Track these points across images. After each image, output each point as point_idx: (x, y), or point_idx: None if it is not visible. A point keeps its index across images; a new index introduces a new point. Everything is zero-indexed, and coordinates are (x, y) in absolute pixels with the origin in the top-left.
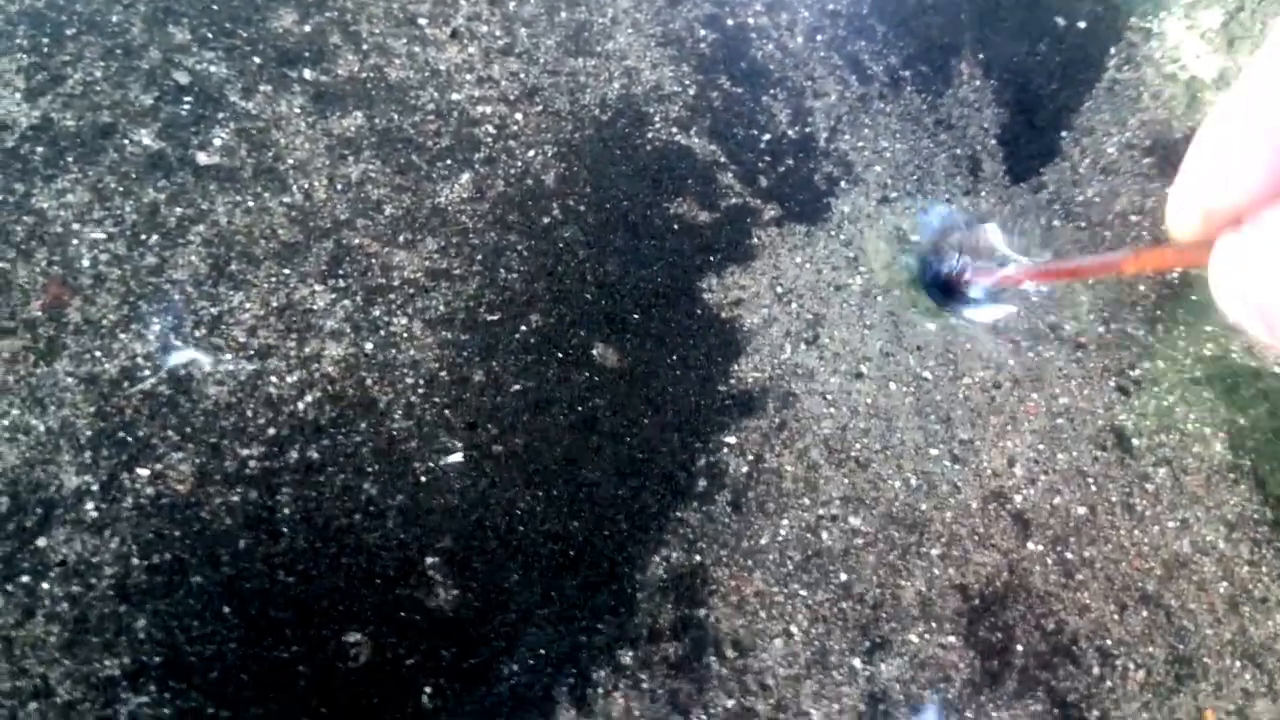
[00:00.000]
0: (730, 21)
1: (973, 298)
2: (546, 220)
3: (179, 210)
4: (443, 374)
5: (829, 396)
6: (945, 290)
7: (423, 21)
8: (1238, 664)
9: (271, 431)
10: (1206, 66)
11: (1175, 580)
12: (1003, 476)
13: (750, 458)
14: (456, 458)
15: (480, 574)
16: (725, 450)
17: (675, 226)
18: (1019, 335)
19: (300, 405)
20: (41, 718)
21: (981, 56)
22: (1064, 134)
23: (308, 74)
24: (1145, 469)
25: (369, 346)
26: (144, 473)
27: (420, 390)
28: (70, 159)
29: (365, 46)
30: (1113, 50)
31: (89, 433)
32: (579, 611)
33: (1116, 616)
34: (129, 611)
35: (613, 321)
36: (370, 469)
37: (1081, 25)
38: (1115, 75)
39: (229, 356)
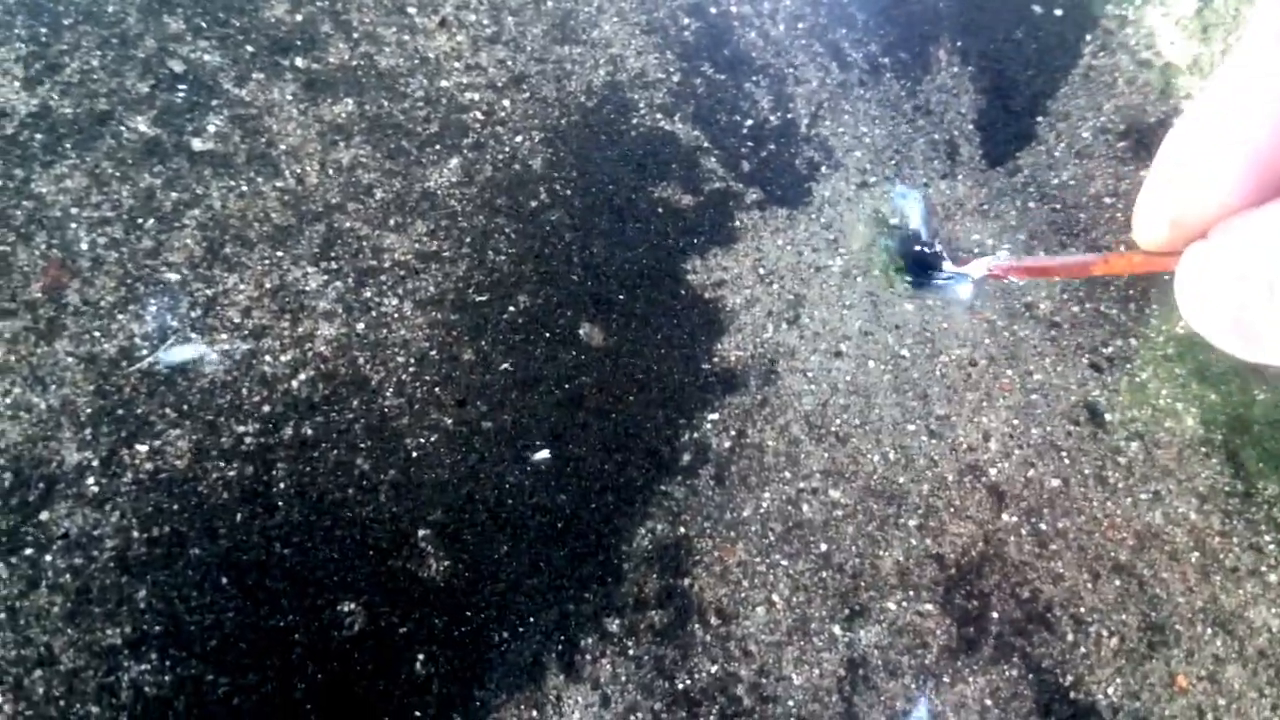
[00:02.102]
0: (713, 10)
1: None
2: (534, 204)
3: (174, 195)
4: (433, 353)
5: (809, 374)
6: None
7: (412, 10)
8: (1209, 631)
9: (266, 409)
10: (1181, 52)
11: (1148, 550)
12: (978, 450)
13: (733, 433)
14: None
15: (471, 546)
16: (708, 426)
17: (659, 210)
18: (995, 314)
19: (294, 383)
20: (46, 685)
21: (960, 44)
22: (1040, 119)
23: (299, 62)
24: (1118, 443)
25: (361, 326)
26: (143, 449)
27: (411, 369)
28: (68, 145)
29: (356, 35)
30: (1088, 37)
31: (89, 410)
32: (567, 581)
33: (1090, 585)
34: (130, 582)
35: (598, 302)
36: (363, 445)
37: (1058, 12)
38: (1091, 61)
39: (224, 336)
